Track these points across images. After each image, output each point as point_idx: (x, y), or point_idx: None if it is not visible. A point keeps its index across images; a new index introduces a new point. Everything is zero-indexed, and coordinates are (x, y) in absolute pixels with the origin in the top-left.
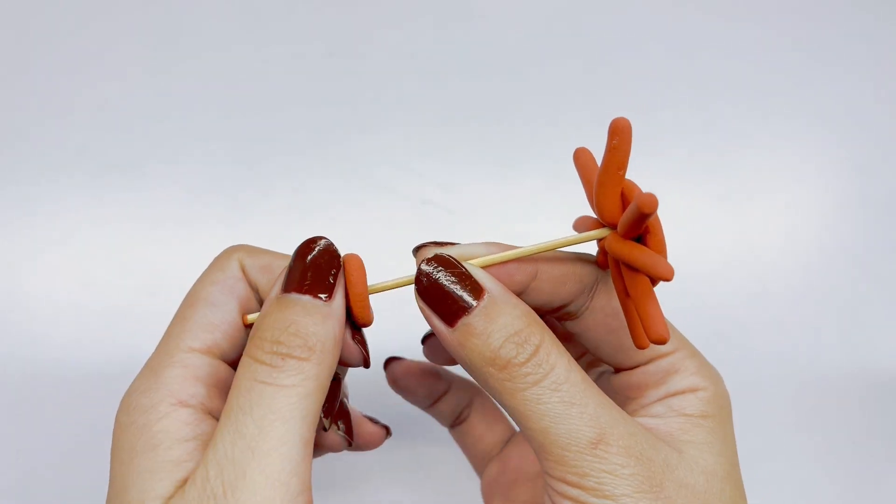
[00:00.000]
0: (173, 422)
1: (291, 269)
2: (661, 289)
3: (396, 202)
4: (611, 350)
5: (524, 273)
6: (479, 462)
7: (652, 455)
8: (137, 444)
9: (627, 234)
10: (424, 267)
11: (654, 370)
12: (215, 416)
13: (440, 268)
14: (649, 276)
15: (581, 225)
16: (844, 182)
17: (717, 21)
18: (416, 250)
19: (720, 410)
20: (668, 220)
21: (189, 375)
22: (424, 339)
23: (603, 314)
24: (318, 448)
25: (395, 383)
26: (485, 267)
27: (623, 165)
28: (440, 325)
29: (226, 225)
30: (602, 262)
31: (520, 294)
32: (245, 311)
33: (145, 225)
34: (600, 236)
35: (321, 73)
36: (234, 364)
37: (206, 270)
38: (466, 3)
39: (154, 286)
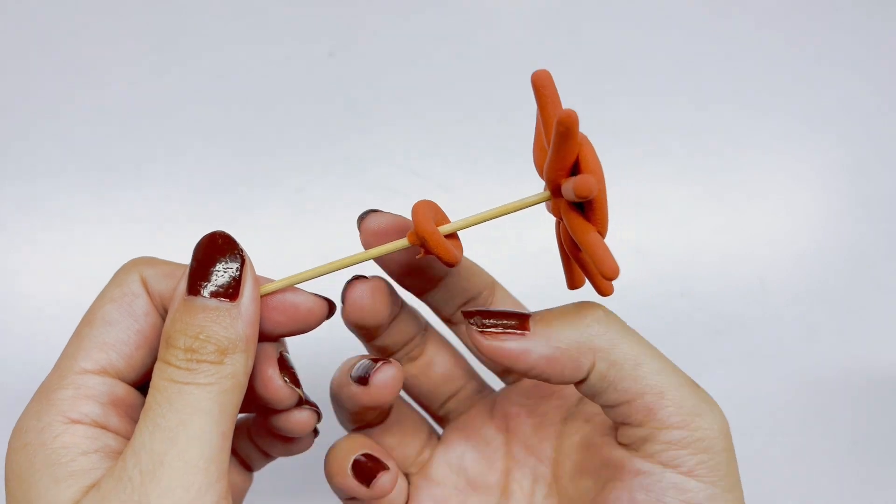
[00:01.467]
0: (71, 437)
1: (193, 269)
2: (661, 288)
3: (396, 202)
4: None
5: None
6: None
7: None
8: (35, 461)
9: (561, 172)
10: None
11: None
12: (114, 431)
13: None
14: (594, 272)
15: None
16: (843, 182)
17: (716, 22)
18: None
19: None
20: (669, 219)
21: (81, 395)
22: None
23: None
24: (287, 443)
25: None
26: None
27: (553, 116)
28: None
29: (226, 225)
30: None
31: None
32: (147, 326)
33: (145, 225)
34: (540, 201)
35: (321, 72)
36: (131, 382)
37: (104, 287)
38: (467, 4)
39: None
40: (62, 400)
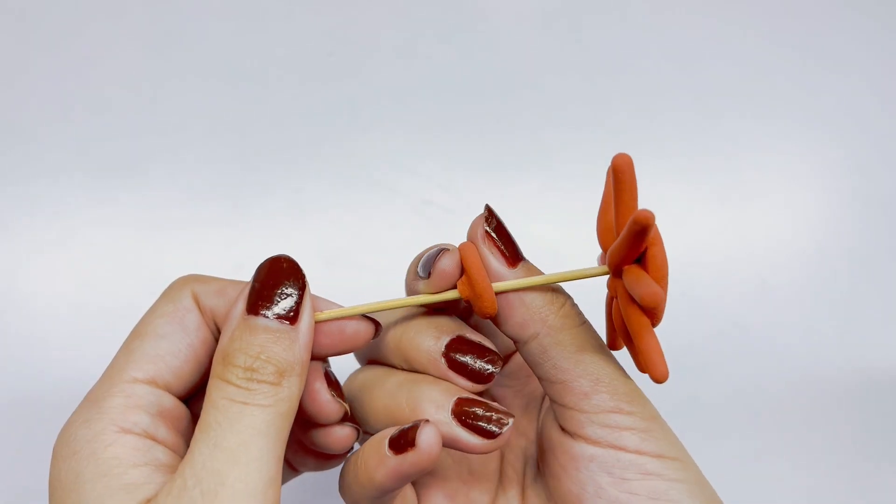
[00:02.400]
0: (122, 448)
1: (255, 290)
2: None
3: (396, 202)
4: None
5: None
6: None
7: None
8: (85, 472)
9: (626, 255)
10: (486, 218)
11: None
12: (162, 443)
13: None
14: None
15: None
16: (843, 182)
17: (716, 23)
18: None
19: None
20: (669, 219)
21: (131, 405)
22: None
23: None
24: (320, 459)
25: None
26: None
27: (628, 205)
28: (500, 265)
29: (226, 225)
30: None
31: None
32: (197, 341)
33: (145, 225)
34: (599, 275)
35: (322, 72)
36: (179, 395)
37: (155, 302)
38: (468, 4)
39: (154, 286)
40: (112, 408)
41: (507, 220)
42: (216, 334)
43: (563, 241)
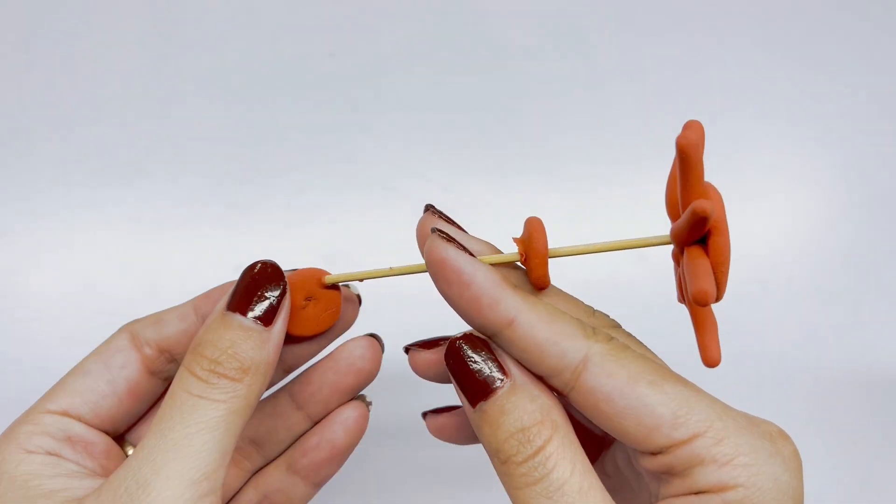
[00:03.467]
0: (32, 465)
1: (238, 289)
2: (661, 288)
3: (396, 202)
4: (612, 433)
5: (494, 312)
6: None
7: None
8: (3, 492)
9: (686, 239)
10: (455, 343)
11: (678, 457)
12: (71, 461)
13: (468, 346)
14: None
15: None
16: (844, 182)
17: (716, 24)
18: (426, 213)
19: None
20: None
21: (37, 431)
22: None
23: (592, 398)
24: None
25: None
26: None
27: (693, 187)
28: (465, 403)
29: (226, 225)
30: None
31: (490, 336)
32: (120, 377)
33: (145, 225)
34: (661, 244)
35: (322, 72)
36: (101, 427)
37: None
38: (468, 4)
39: (154, 287)
40: (20, 434)
41: (508, 220)
42: (163, 363)
43: (564, 242)
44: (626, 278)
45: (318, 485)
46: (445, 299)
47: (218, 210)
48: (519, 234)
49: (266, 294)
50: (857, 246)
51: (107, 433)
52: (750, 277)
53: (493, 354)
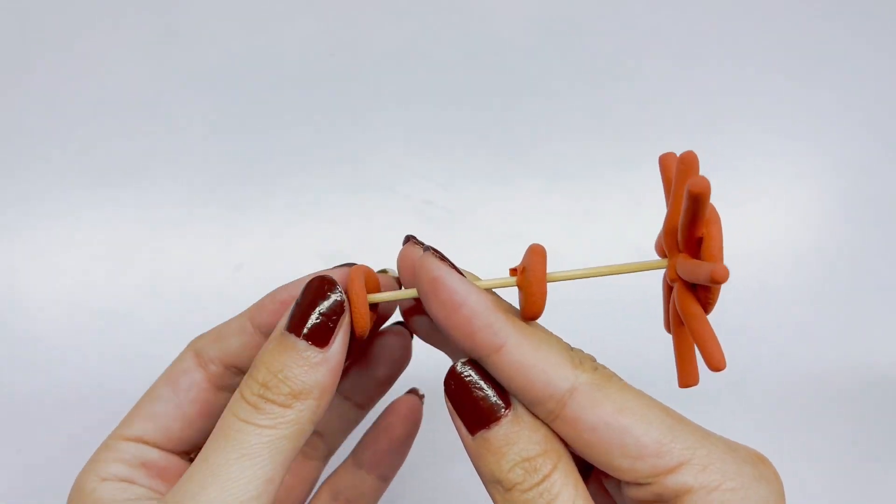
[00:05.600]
0: (103, 492)
1: (297, 307)
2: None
3: (396, 202)
4: (596, 464)
5: (485, 336)
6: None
7: None
8: None
9: (684, 240)
10: (458, 368)
11: (666, 486)
12: (144, 487)
13: (474, 372)
14: (703, 300)
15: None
16: (843, 182)
17: (716, 23)
18: (405, 241)
19: None
20: None
21: (112, 458)
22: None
23: (577, 428)
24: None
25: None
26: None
27: (702, 212)
28: (462, 429)
29: (226, 225)
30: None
31: (478, 359)
32: (186, 400)
33: (145, 225)
34: (660, 267)
35: (322, 72)
36: (172, 450)
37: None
38: (469, 4)
39: (154, 286)
40: (97, 461)
41: (508, 220)
42: (230, 377)
43: (563, 242)
44: (626, 279)
45: (385, 478)
46: (435, 320)
47: (218, 210)
48: (514, 239)
49: (323, 311)
50: (857, 246)
51: (186, 452)
52: (749, 277)
53: (493, 381)
